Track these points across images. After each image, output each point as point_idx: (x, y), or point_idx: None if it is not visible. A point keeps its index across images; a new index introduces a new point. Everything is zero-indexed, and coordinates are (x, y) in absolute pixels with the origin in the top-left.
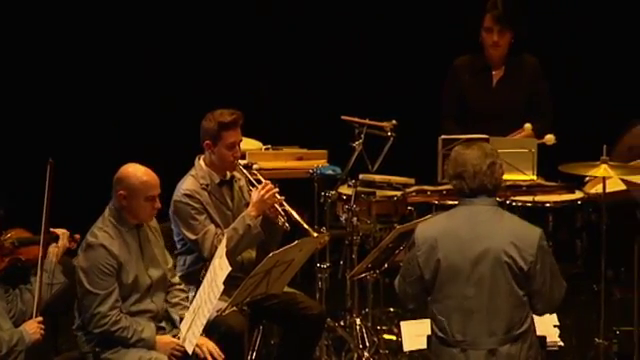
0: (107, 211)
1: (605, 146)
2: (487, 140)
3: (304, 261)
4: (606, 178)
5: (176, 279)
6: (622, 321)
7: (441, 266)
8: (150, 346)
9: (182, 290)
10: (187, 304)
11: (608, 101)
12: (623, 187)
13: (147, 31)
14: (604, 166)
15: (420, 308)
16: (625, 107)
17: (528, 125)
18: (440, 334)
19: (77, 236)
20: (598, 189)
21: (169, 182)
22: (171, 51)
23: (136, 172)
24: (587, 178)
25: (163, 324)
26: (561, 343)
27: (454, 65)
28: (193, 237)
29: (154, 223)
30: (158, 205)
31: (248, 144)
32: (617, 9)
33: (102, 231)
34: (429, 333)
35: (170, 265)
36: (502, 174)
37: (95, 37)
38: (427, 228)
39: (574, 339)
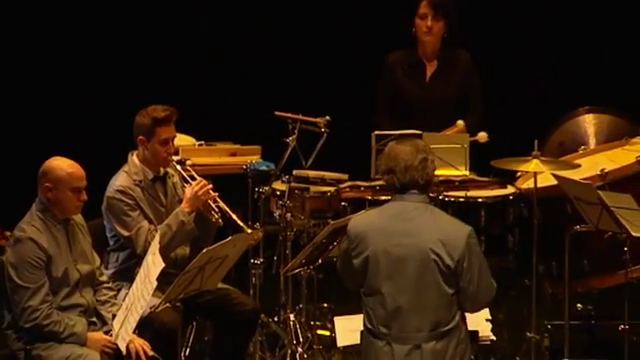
0: (34, 206)
1: (536, 141)
2: (420, 136)
3: (238, 257)
4: (537, 173)
5: (104, 277)
6: (553, 315)
7: (370, 261)
8: (82, 341)
9: (110, 288)
10: (116, 301)
11: (539, 97)
12: (554, 182)
13: (78, 26)
14: (535, 161)
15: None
16: (556, 103)
17: (460, 122)
18: (369, 326)
19: (8, 233)
20: (530, 184)
21: (102, 178)
22: (104, 46)
23: (61, 164)
24: (519, 173)
25: (94, 319)
26: (493, 337)
27: (387, 61)
28: (126, 233)
29: (81, 220)
30: (84, 197)
31: (181, 140)
32: (548, 5)
33: (30, 225)
34: (362, 329)
35: (98, 263)
36: (434, 170)
37: (23, 32)
38: (358, 223)
39: (506, 333)
